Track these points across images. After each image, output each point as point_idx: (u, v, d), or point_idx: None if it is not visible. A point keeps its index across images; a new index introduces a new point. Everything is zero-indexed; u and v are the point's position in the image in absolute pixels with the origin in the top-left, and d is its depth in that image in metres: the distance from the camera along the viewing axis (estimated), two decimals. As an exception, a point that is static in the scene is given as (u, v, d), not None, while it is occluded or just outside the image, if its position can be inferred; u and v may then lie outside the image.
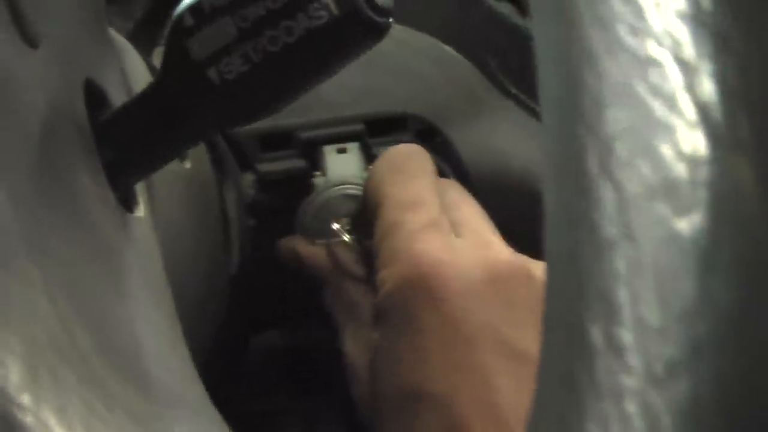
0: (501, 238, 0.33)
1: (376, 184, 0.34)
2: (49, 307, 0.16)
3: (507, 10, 0.43)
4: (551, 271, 0.13)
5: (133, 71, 0.30)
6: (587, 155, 0.12)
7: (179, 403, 0.19)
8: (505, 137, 0.45)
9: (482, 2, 0.44)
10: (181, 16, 0.21)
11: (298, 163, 0.44)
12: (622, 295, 0.11)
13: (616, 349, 0.11)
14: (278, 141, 0.44)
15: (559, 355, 0.12)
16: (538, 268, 0.31)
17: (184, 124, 0.23)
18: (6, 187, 0.16)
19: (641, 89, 0.11)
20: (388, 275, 0.31)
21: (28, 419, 0.14)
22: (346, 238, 0.36)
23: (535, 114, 0.44)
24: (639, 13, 0.12)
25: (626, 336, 0.11)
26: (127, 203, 0.25)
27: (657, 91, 0.11)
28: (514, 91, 0.45)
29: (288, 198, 0.42)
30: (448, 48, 0.47)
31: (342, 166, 0.43)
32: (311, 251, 0.37)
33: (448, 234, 0.32)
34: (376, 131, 0.45)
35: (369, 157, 0.44)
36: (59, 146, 0.21)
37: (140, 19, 0.36)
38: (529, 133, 0.44)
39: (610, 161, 0.12)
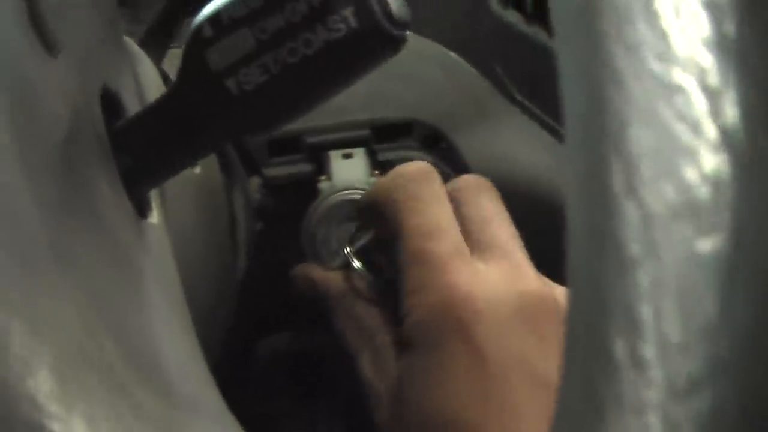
0: (528, 259, 0.33)
1: (391, 212, 0.33)
2: (75, 314, 0.16)
3: (514, 18, 0.43)
4: (574, 286, 0.13)
5: (146, 77, 0.30)
6: (612, 173, 0.12)
7: (198, 409, 0.20)
8: (511, 143, 0.45)
9: (489, 10, 0.45)
10: (200, 26, 0.22)
11: (305, 168, 0.44)
12: (646, 312, 0.12)
13: (638, 363, 0.12)
14: (285, 146, 0.44)
15: (581, 368, 0.12)
16: (564, 295, 0.32)
17: (201, 133, 0.23)
18: (33, 195, 0.17)
19: (666, 114, 0.12)
20: (415, 305, 0.31)
21: (58, 428, 0.14)
22: (357, 265, 0.36)
23: (540, 121, 0.44)
24: (664, 38, 0.12)
25: (649, 351, 0.11)
26: (141, 209, 0.25)
27: (682, 116, 0.12)
28: (519, 97, 0.45)
29: (294, 202, 0.42)
30: (454, 55, 0.47)
31: (347, 171, 0.43)
32: (326, 276, 0.37)
33: (473, 261, 0.32)
34: (382, 137, 0.45)
35: (375, 162, 0.44)
36: (79, 153, 0.21)
37: (151, 24, 0.36)
38: (534, 139, 0.44)
39: (635, 180, 0.12)
